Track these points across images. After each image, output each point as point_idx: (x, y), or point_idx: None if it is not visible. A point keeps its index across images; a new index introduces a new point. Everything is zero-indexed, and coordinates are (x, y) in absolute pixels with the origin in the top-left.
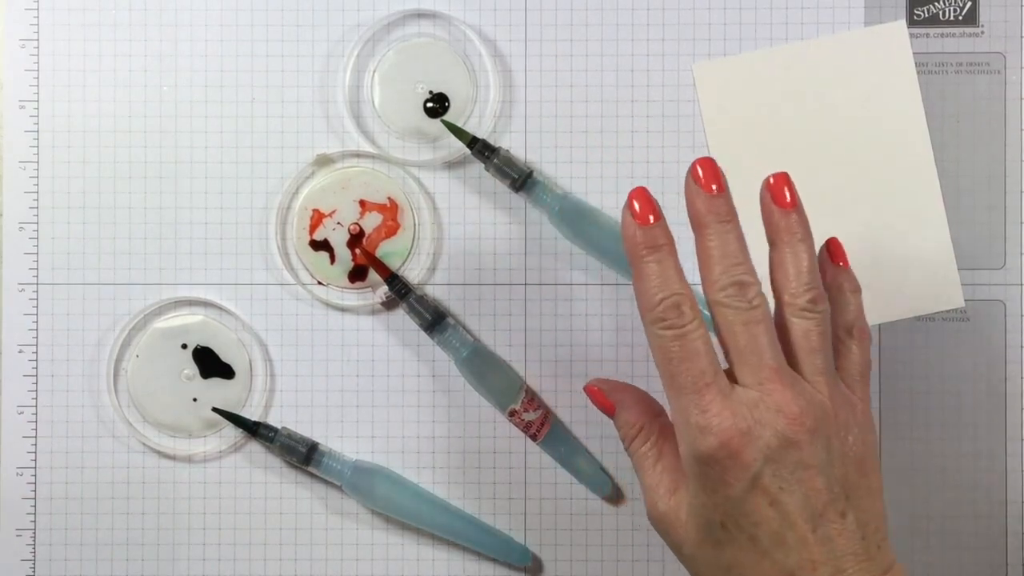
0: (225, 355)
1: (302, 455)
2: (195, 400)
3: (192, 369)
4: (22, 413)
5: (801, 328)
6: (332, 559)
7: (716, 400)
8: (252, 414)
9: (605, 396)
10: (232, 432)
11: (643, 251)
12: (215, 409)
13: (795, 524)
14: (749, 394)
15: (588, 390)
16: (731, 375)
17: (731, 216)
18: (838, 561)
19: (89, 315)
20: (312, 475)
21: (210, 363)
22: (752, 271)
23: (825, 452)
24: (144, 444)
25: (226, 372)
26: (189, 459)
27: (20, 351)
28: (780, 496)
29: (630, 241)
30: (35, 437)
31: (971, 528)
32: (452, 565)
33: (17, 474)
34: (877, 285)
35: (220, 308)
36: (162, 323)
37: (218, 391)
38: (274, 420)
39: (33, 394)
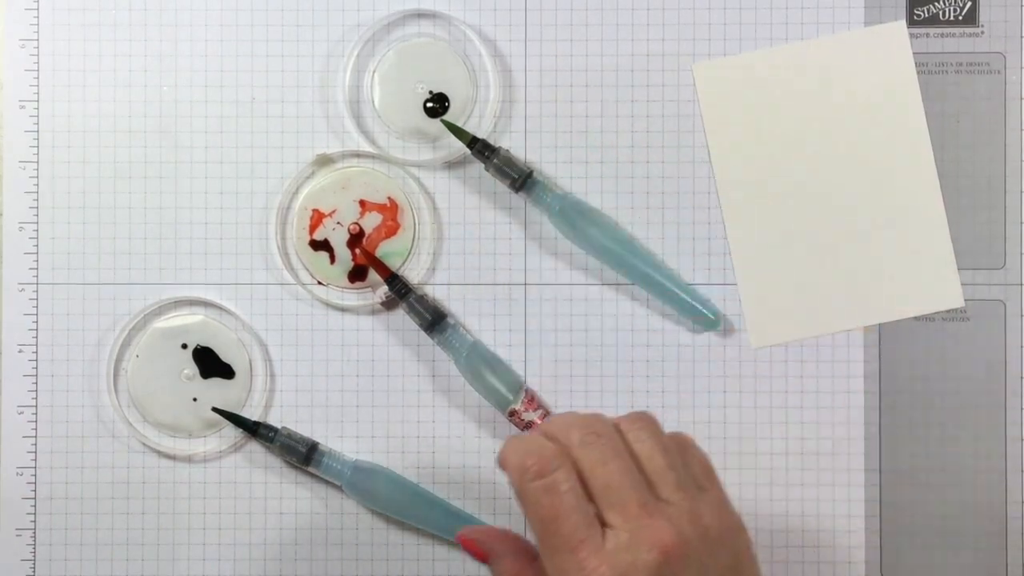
0: (225, 355)
1: (302, 455)
2: (195, 400)
3: (192, 369)
4: (22, 413)
5: (644, 452)
6: (332, 559)
7: (591, 556)
8: (252, 414)
9: (478, 545)
10: (232, 432)
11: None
12: (215, 409)
13: None
14: (620, 537)
15: (461, 540)
16: (600, 518)
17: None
18: None
19: (89, 315)
20: (312, 475)
21: (210, 363)
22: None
23: (700, 571)
24: (144, 444)
25: (226, 372)
26: (189, 459)
27: (20, 351)
28: None
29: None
30: (35, 437)
31: (971, 528)
32: (452, 565)
33: (17, 474)
34: (877, 285)
35: (220, 308)
36: (162, 323)
37: (218, 391)
38: (274, 420)
39: (33, 394)
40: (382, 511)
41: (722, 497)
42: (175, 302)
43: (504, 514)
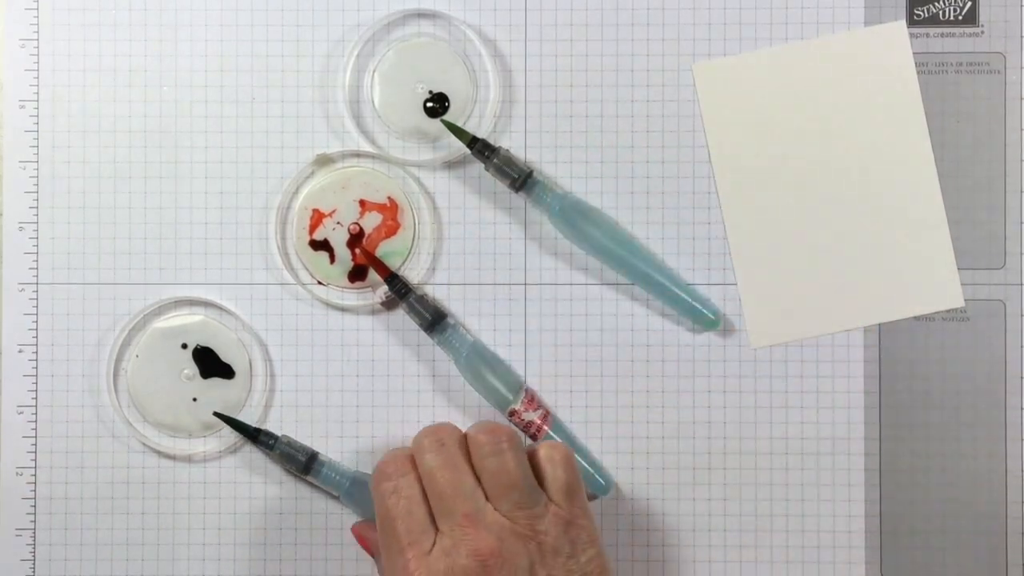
0: (225, 355)
1: (301, 464)
2: (195, 400)
3: (192, 369)
4: (22, 413)
5: (494, 466)
6: (332, 559)
7: (415, 559)
8: (252, 414)
9: (367, 541)
10: (232, 432)
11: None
12: (216, 414)
13: None
14: (445, 542)
15: (353, 531)
16: (435, 524)
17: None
18: None
19: (89, 315)
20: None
21: (210, 363)
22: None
23: None
24: (144, 444)
25: (226, 372)
26: (189, 459)
27: (20, 351)
28: None
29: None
30: (35, 437)
31: (971, 528)
32: None
33: (17, 474)
34: (877, 285)
35: (220, 308)
36: (162, 323)
37: (218, 391)
38: (274, 420)
39: (33, 394)
40: None
41: (572, 515)
42: (175, 302)
43: None
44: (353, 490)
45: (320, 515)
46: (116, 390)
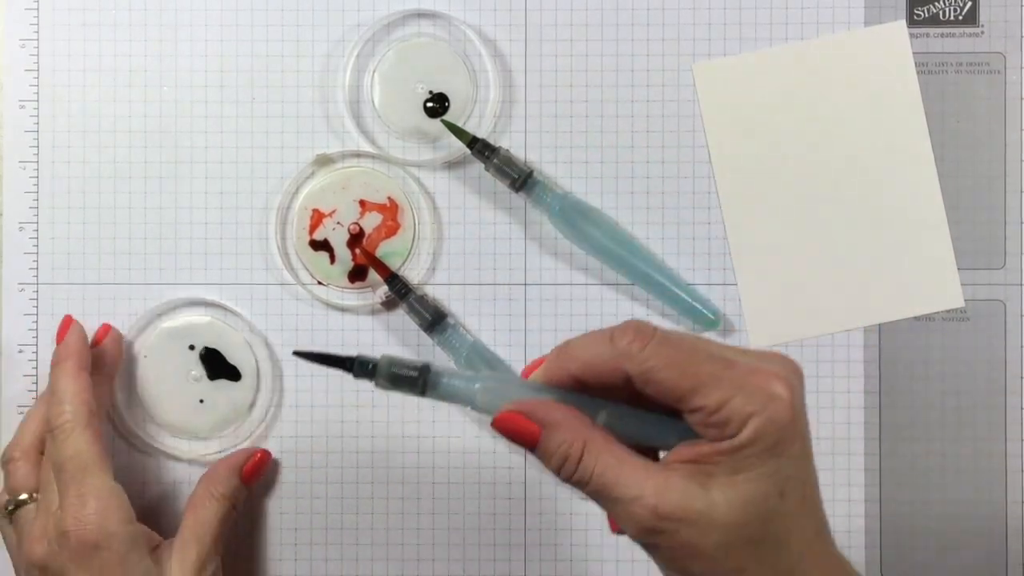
0: (232, 357)
1: (414, 380)
2: (202, 402)
3: (199, 371)
4: (22, 413)
5: None
6: (332, 559)
7: (753, 358)
8: (259, 415)
9: (527, 419)
10: (235, 433)
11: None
12: (296, 352)
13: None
14: (750, 361)
15: (502, 419)
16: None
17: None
18: None
19: (89, 315)
20: (313, 475)
21: (217, 364)
22: None
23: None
24: (150, 445)
25: (233, 374)
26: (192, 462)
27: (20, 351)
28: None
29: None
30: None
31: (971, 528)
32: (452, 566)
33: None
34: (877, 285)
35: (227, 310)
36: (169, 324)
37: (225, 392)
38: (275, 420)
39: (33, 394)
40: None
41: None
42: (184, 303)
43: (504, 514)
44: (486, 393)
45: (320, 515)
46: (120, 390)
